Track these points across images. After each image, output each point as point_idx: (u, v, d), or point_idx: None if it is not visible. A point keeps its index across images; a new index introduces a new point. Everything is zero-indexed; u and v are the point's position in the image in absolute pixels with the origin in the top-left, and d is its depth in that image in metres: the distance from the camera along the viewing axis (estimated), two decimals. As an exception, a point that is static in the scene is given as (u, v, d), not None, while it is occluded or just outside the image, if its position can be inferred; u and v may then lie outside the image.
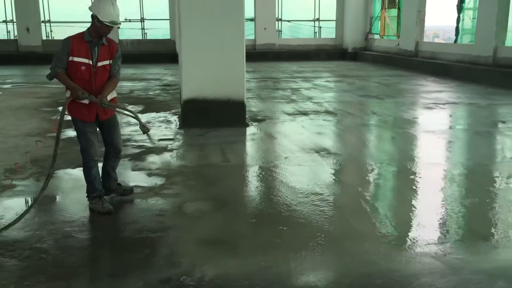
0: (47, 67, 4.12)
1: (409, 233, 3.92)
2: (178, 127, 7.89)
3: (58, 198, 4.77)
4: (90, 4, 4.24)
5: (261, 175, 5.50)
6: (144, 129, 4.18)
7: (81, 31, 4.22)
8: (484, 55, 13.33)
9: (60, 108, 4.42)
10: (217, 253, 3.56)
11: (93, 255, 3.64)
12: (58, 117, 4.22)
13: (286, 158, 6.09)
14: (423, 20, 17.06)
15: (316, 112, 9.10)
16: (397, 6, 18.96)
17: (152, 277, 3.21)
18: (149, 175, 5.43)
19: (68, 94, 4.17)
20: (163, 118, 8.58)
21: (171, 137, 7.25)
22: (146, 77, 15.31)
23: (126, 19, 21.27)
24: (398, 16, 18.86)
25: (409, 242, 3.72)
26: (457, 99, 10.52)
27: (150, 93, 11.91)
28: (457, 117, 9.07)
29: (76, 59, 4.06)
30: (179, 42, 8.28)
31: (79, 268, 3.38)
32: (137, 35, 21.99)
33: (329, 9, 22.76)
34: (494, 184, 5.16)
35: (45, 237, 3.82)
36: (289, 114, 8.94)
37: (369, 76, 15.16)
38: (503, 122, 8.06)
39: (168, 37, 21.88)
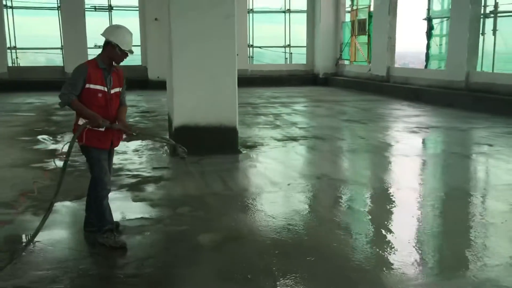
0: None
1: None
2: (168, 155, 7.69)
3: (62, 233, 4.49)
4: (102, 32, 4.13)
5: (268, 202, 5.36)
6: (182, 154, 4.26)
7: (90, 58, 4.19)
8: (456, 80, 13.75)
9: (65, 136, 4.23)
10: (249, 288, 3.39)
11: (115, 295, 3.41)
12: (60, 152, 4.02)
13: (289, 185, 5.99)
14: (394, 46, 17.53)
15: (305, 138, 9.09)
16: (367, 33, 19.44)
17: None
18: (153, 205, 5.21)
19: (81, 122, 4.02)
20: (150, 146, 8.35)
21: (164, 165, 7.04)
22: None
23: (95, 45, 20.92)
24: (369, 42, 19.32)
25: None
26: (438, 123, 10.75)
27: (130, 119, 11.62)
28: (444, 141, 9.23)
29: (93, 86, 3.99)
30: (168, 69, 8.13)
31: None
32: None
33: (299, 35, 23.13)
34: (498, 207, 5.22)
35: (60, 276, 3.55)
36: (279, 140, 8.89)
37: (345, 101, 15.36)
38: (490, 145, 8.23)
39: (139, 63, 21.65)
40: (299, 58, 23.47)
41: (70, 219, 4.85)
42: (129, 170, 6.73)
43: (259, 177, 6.55)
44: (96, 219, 4.18)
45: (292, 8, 22.85)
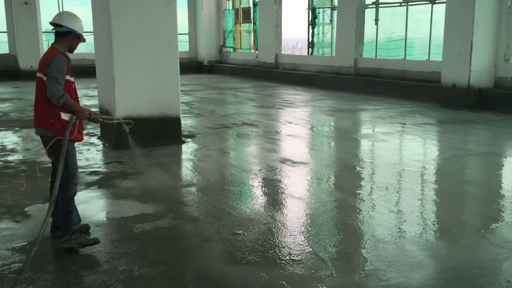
0: None
1: (439, 224, 4.41)
2: (109, 148, 7.31)
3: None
4: (55, 19, 3.90)
5: (253, 189, 5.52)
6: (126, 127, 4.23)
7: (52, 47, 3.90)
8: (346, 66, 14.97)
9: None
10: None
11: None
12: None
13: (260, 170, 6.18)
14: (280, 34, 18.35)
15: (236, 125, 9.26)
16: (252, 21, 20.00)
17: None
18: (141, 201, 5.00)
19: (66, 117, 3.76)
20: (83, 141, 7.80)
21: (114, 159, 6.70)
22: (2, 97, 13.60)
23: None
24: (254, 30, 19.92)
25: (449, 232, 4.20)
26: (345, 106, 11.67)
27: (31, 114, 10.61)
28: (369, 122, 10.12)
29: (68, 78, 3.84)
30: (103, 58, 7.66)
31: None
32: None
33: (180, 22, 22.86)
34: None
35: (108, 280, 3.33)
36: (212, 128, 8.94)
37: (242, 88, 15.75)
38: (403, 124, 9.28)
39: (7, 51, 19.59)
40: (181, 45, 23.23)
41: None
42: (81, 167, 6.27)
43: (223, 165, 6.62)
44: (64, 220, 3.81)
45: (172, -5, 22.47)
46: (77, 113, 3.80)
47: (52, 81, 3.65)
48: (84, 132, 4.18)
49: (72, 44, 3.91)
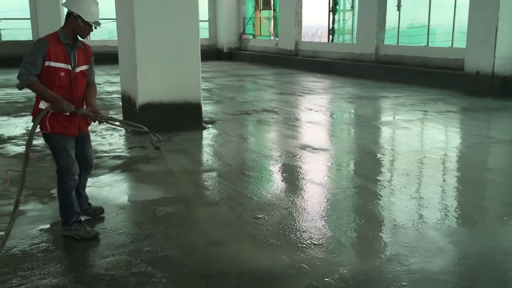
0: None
1: (461, 211, 4.39)
2: (131, 134, 7.41)
3: (102, 219, 4.22)
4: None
5: (273, 174, 5.55)
6: (156, 143, 3.80)
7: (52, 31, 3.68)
8: (367, 53, 14.82)
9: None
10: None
11: None
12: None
13: (280, 156, 6.20)
14: (301, 20, 18.23)
15: (256, 111, 9.28)
16: (272, 8, 19.89)
17: None
18: (164, 185, 5.07)
19: (43, 106, 3.58)
20: (105, 126, 7.93)
21: (137, 144, 6.79)
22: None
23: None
24: (274, 17, 19.82)
25: (471, 219, 4.18)
26: (366, 93, 11.58)
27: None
28: (390, 109, 10.05)
29: (53, 64, 3.52)
30: (126, 45, 7.74)
31: None
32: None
33: (200, 9, 22.86)
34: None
35: (133, 260, 3.40)
36: (233, 115, 8.98)
37: (262, 75, 15.73)
38: (425, 111, 9.19)
39: (30, 38, 19.87)
40: (201, 32, 23.23)
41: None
42: (103, 151, 6.40)
43: (246, 151, 6.66)
44: (63, 212, 3.77)
45: (192, -18, 22.46)
46: (50, 102, 3.53)
47: (22, 63, 3.52)
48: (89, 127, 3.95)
49: (75, 27, 3.60)
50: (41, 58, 3.50)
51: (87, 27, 3.63)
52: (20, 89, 3.59)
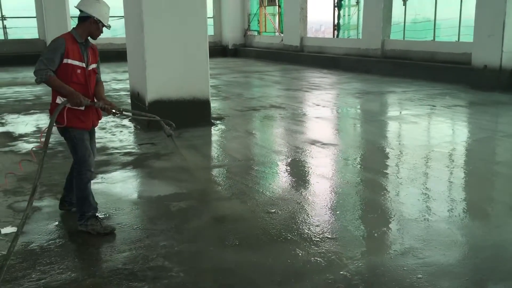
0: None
1: (473, 205, 4.40)
2: (141, 130, 7.45)
3: (118, 214, 4.24)
4: (78, 4, 3.84)
5: (284, 169, 5.58)
6: (169, 131, 4.09)
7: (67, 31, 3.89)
8: (372, 48, 14.80)
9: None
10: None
11: None
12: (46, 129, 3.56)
13: (289, 151, 6.23)
14: (306, 16, 18.21)
15: (263, 107, 9.31)
16: (277, 4, 19.88)
17: None
18: (176, 180, 5.10)
19: (59, 101, 3.70)
20: (114, 123, 7.98)
21: (147, 141, 6.83)
22: (29, 81, 13.87)
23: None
24: (280, 13, 19.80)
25: (484, 212, 4.19)
26: (372, 88, 11.58)
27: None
28: (398, 104, 10.05)
29: (71, 61, 3.70)
30: (134, 42, 7.78)
31: None
32: (-4, 35, 19.68)
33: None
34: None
35: (150, 255, 3.45)
36: (240, 111, 9.01)
37: (268, 71, 15.75)
38: (433, 106, 9.19)
39: (36, 36, 19.95)
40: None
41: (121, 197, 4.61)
42: (114, 148, 6.45)
43: (254, 147, 6.69)
44: (79, 205, 3.85)
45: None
46: (67, 97, 3.65)
47: (39, 58, 3.66)
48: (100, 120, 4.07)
49: (91, 29, 3.82)
50: (59, 55, 3.66)
51: (101, 30, 3.88)
52: (38, 83, 3.75)
